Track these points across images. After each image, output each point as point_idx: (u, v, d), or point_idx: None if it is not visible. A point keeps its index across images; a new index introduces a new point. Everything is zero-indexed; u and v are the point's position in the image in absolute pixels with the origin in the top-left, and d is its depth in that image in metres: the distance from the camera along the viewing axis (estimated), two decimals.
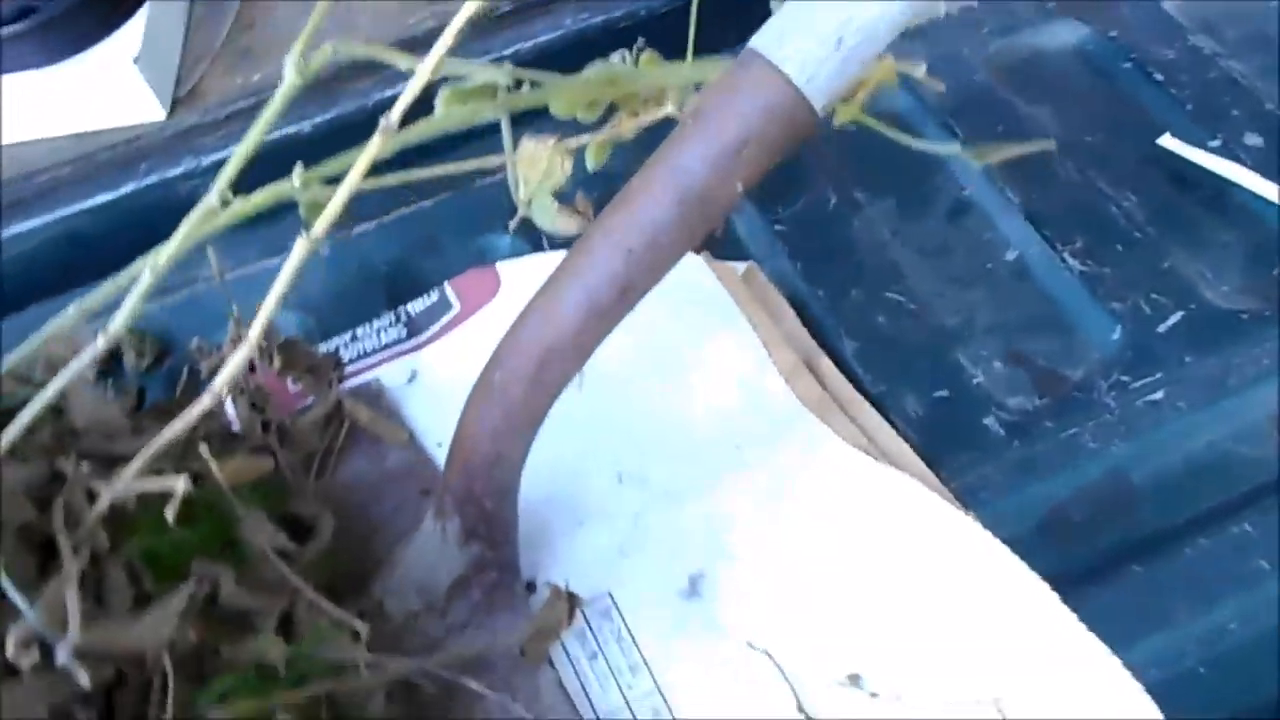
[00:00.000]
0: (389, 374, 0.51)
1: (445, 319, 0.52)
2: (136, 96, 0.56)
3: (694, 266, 0.51)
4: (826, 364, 0.49)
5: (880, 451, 0.45)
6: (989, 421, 0.48)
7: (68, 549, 0.31)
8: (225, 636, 0.35)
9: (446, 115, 0.39)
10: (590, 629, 0.43)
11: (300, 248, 0.33)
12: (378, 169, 0.37)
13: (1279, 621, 0.42)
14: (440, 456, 0.45)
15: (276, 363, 0.49)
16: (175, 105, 0.58)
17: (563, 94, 0.41)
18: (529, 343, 0.38)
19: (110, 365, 0.54)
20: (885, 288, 0.53)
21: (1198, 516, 0.45)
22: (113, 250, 0.54)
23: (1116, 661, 0.36)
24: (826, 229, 0.55)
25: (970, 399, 0.49)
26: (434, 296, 0.52)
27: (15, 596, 0.29)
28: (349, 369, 0.51)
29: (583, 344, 0.38)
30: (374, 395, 0.49)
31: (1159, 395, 0.47)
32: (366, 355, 0.51)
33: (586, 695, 0.41)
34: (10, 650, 0.28)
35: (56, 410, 0.41)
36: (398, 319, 0.52)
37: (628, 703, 0.41)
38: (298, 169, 0.36)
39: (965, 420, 0.48)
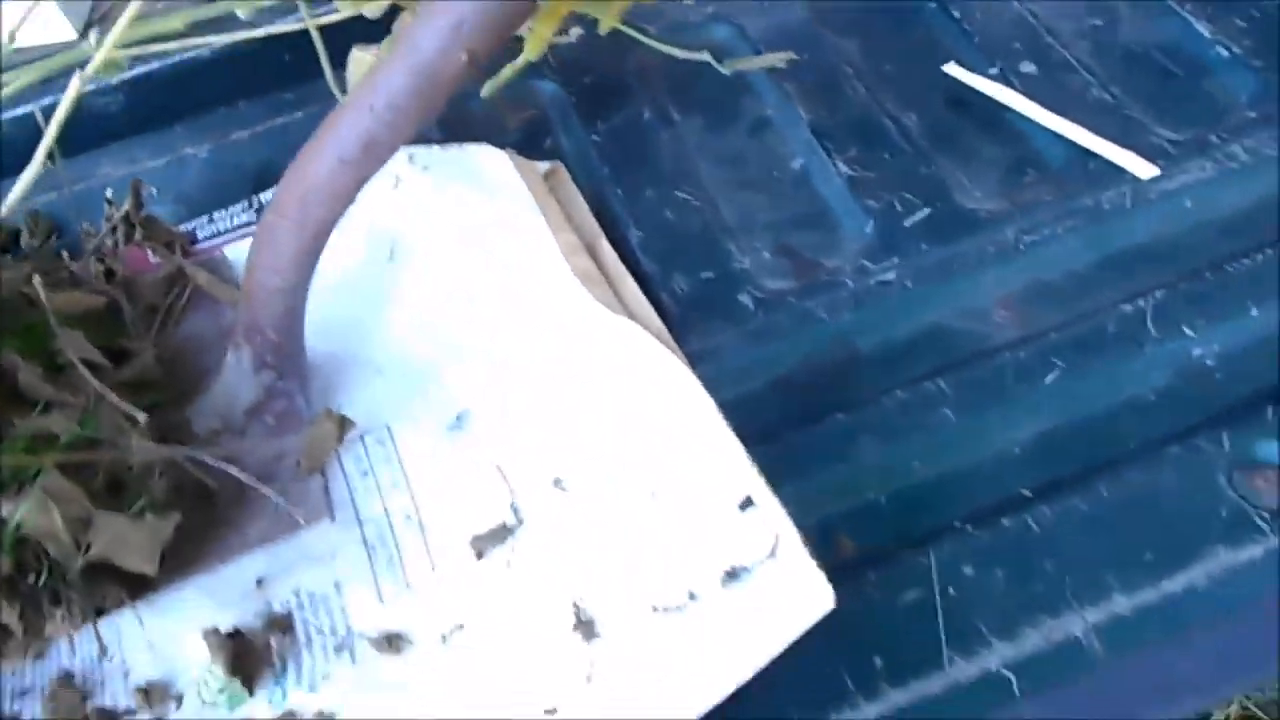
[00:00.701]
0: (236, 249, 0.58)
1: None
2: (51, 19, 0.64)
3: (497, 159, 0.58)
4: (605, 246, 0.56)
5: (628, 312, 0.51)
6: (743, 298, 0.54)
7: None
8: (20, 414, 0.43)
9: None
10: (366, 453, 0.50)
11: (74, 84, 0.40)
12: None
13: (957, 463, 0.48)
14: None
15: (139, 234, 0.57)
16: (87, 29, 0.67)
17: None
18: (293, 187, 0.45)
19: (10, 243, 0.62)
20: (678, 188, 0.59)
21: (908, 378, 0.51)
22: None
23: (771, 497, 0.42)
24: (637, 140, 0.62)
25: (732, 280, 0.55)
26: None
27: None
28: (205, 244, 0.59)
29: (335, 189, 0.45)
30: (216, 263, 0.57)
31: (891, 276, 0.53)
32: (220, 234, 0.59)
33: (353, 503, 0.48)
34: None
35: None
36: (250, 205, 0.60)
37: (386, 510, 0.48)
38: (93, 34, 0.44)
39: (722, 296, 0.54)
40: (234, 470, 0.46)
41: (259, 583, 0.47)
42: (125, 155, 0.66)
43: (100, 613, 0.42)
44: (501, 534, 0.45)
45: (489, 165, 0.58)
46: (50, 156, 0.46)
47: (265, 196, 0.60)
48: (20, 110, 0.66)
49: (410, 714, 0.41)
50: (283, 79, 0.67)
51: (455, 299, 0.54)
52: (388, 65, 0.44)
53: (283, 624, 0.45)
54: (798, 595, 0.38)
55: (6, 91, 0.43)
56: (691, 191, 0.59)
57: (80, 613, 0.41)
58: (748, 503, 0.41)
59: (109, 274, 0.54)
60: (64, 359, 0.47)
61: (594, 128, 0.63)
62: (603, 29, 0.54)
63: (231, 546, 0.46)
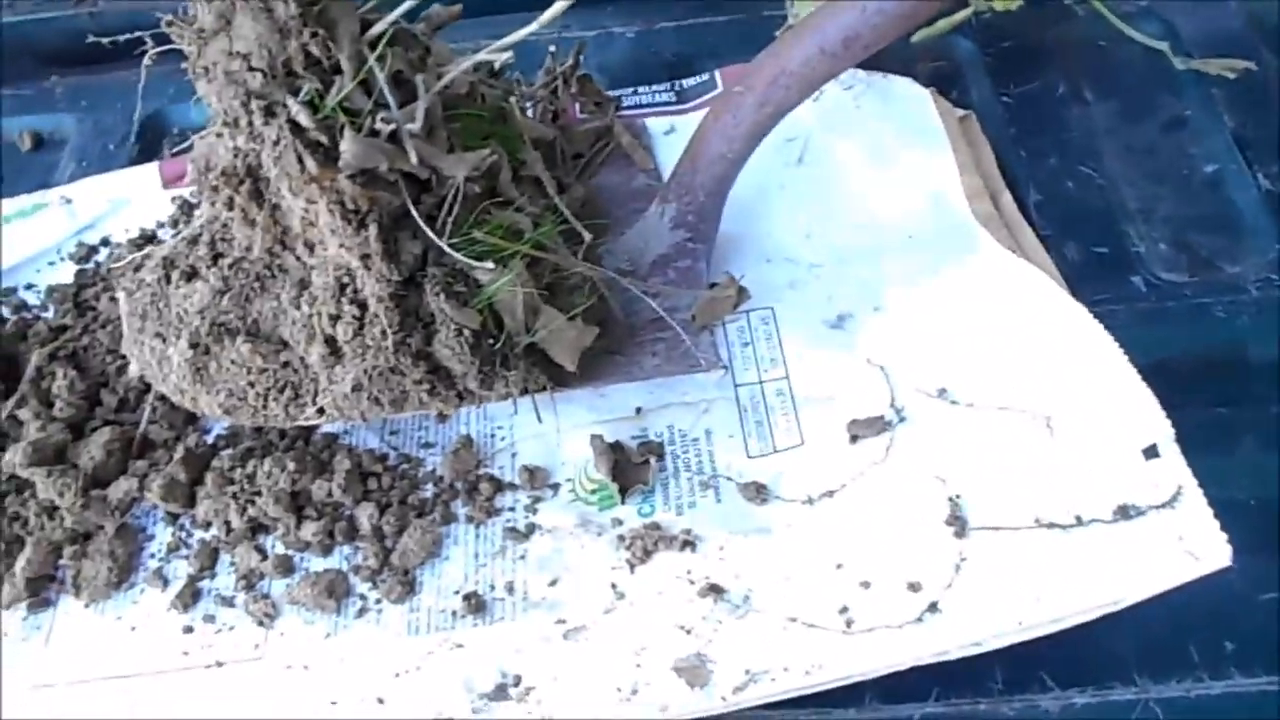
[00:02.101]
0: (654, 124, 0.63)
1: (708, 95, 0.64)
2: None
3: (918, 94, 0.60)
4: (1008, 199, 0.57)
5: (1027, 259, 0.52)
6: (1136, 279, 0.54)
7: (421, 84, 0.45)
8: (496, 208, 0.48)
9: None
10: (749, 326, 0.54)
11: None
12: None
13: None
14: None
15: (574, 88, 0.62)
16: None
17: None
18: (767, 65, 0.49)
19: None
20: (1082, 163, 0.60)
21: None
22: None
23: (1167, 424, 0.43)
24: (1047, 110, 0.63)
25: (1126, 260, 0.55)
26: (704, 77, 0.65)
27: (387, 89, 0.43)
28: (625, 113, 0.64)
29: (807, 76, 0.48)
30: (638, 129, 0.62)
31: None
32: (641, 107, 0.64)
33: (731, 367, 0.52)
34: (374, 120, 0.43)
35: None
36: (671, 88, 0.65)
37: (761, 382, 0.52)
38: None
39: (1115, 273, 0.55)
40: (653, 304, 0.50)
41: (638, 411, 0.51)
42: (560, 22, 0.71)
43: (525, 392, 0.47)
44: (879, 425, 0.47)
45: (909, 97, 0.60)
46: None
47: (686, 83, 0.65)
48: None
49: (773, 556, 0.44)
50: None
51: (851, 211, 0.57)
52: None
53: (656, 450, 0.49)
54: (1193, 546, 0.39)
55: None
56: (1095, 169, 0.60)
57: (519, 383, 0.46)
58: (1153, 451, 0.42)
59: (554, 116, 0.60)
60: (526, 172, 0.52)
61: (1005, 89, 0.64)
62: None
63: (625, 373, 0.50)
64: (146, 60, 0.48)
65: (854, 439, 0.47)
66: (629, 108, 0.64)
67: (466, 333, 0.44)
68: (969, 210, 0.55)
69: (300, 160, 0.43)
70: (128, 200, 0.63)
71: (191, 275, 0.48)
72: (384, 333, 0.44)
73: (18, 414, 0.51)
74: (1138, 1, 0.67)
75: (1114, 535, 0.40)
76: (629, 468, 0.49)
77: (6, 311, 0.58)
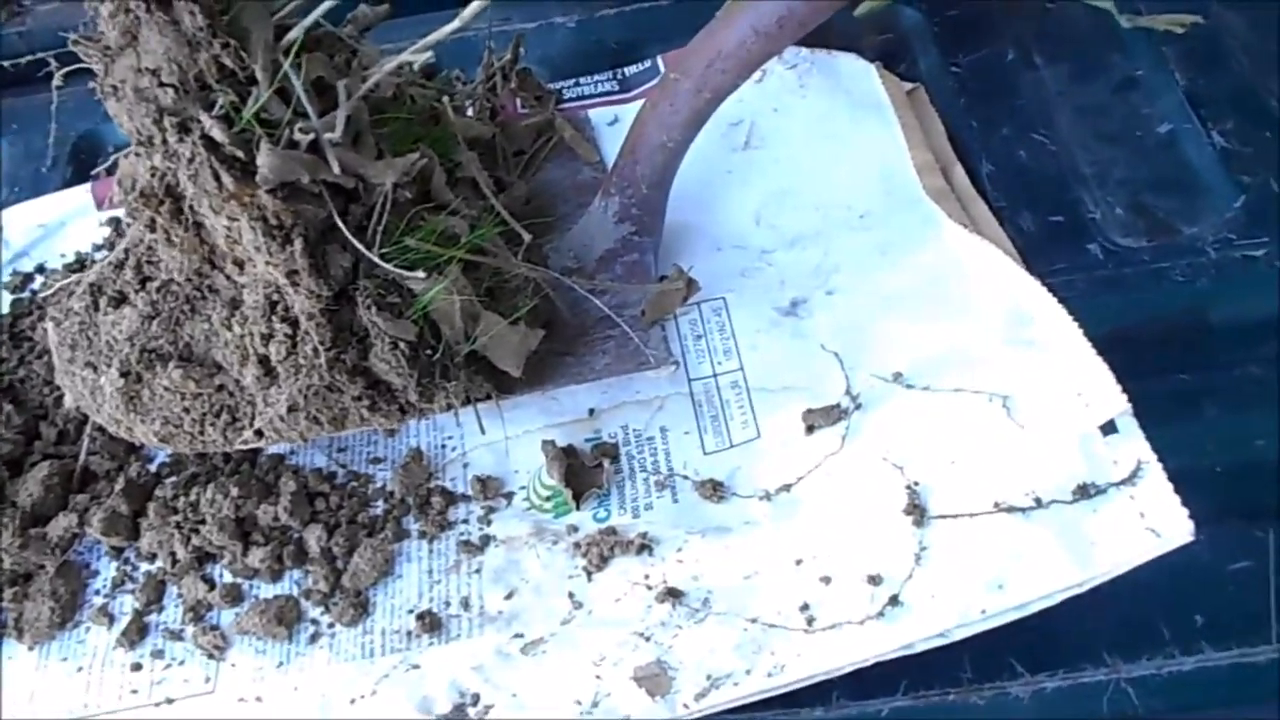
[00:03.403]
0: (597, 114, 0.62)
1: (651, 82, 0.62)
2: None
3: (863, 70, 0.59)
4: (959, 172, 0.56)
5: (980, 234, 0.51)
6: (1092, 247, 0.53)
7: (343, 90, 0.43)
8: (430, 213, 0.47)
9: None
10: (701, 318, 0.52)
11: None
12: None
13: None
14: None
15: (513, 83, 0.61)
16: None
17: None
18: (702, 49, 0.48)
19: None
20: (1034, 130, 0.59)
21: (1264, 356, 0.49)
22: None
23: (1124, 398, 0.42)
24: (998, 77, 0.61)
25: (1081, 227, 0.54)
26: (647, 64, 0.63)
27: (304, 97, 0.42)
28: (567, 106, 0.62)
29: (742, 58, 0.47)
30: (580, 122, 0.60)
31: (1259, 253, 0.51)
32: (583, 98, 0.63)
33: (684, 362, 0.51)
34: (293, 130, 0.41)
35: None
36: (614, 76, 0.63)
37: (715, 375, 0.50)
38: None
39: (1071, 241, 0.54)
40: (599, 303, 0.49)
41: (591, 412, 0.50)
42: (499, 14, 0.70)
43: (467, 402, 0.46)
44: (835, 414, 0.46)
45: (854, 73, 0.59)
46: None
47: (628, 71, 0.63)
48: None
49: (731, 556, 0.43)
50: None
51: (800, 194, 0.56)
52: None
53: (610, 452, 0.48)
54: (1155, 523, 0.38)
55: None
56: (1047, 135, 0.58)
57: (460, 394, 0.45)
58: (1110, 427, 0.41)
59: (492, 113, 0.58)
60: (461, 174, 0.51)
61: (954, 59, 0.62)
62: None
63: (574, 374, 0.49)
64: (56, 81, 0.46)
65: (810, 429, 0.46)
66: (571, 100, 0.63)
67: (403, 345, 0.43)
68: (920, 186, 0.54)
69: (217, 177, 0.41)
70: (61, 224, 0.61)
71: (120, 301, 0.47)
72: (316, 350, 0.42)
73: None
74: None
75: (1075, 516, 0.39)
76: (582, 472, 0.47)
77: None
